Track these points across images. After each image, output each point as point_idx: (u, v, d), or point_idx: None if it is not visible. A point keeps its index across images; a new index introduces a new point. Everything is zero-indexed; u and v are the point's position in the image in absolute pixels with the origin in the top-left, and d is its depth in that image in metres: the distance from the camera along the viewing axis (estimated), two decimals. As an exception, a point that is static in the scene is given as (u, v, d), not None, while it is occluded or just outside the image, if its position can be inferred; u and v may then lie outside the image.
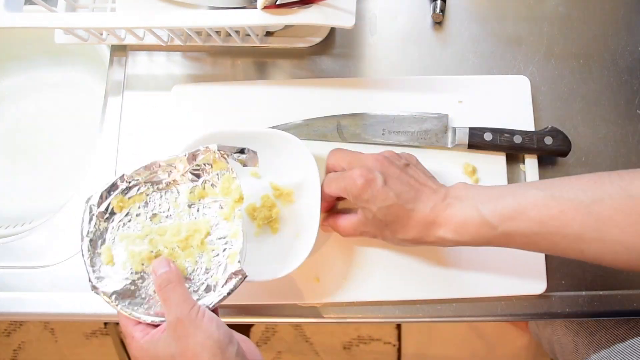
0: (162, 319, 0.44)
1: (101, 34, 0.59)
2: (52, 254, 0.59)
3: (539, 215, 0.43)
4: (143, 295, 0.45)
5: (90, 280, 0.45)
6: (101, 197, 0.47)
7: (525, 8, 0.63)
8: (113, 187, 0.48)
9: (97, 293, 0.45)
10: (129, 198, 0.48)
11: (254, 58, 0.63)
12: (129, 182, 0.48)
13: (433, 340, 1.29)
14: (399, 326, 1.29)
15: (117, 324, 1.25)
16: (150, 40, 0.60)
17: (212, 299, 0.45)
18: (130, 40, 0.60)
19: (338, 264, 0.55)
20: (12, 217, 0.71)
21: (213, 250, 0.47)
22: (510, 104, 0.59)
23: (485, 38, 0.62)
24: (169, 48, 0.63)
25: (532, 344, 1.22)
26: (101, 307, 0.56)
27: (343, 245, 0.55)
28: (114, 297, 0.45)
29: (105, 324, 1.28)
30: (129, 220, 0.48)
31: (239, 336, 0.43)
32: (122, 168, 0.60)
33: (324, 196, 0.52)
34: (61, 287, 0.58)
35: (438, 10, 0.62)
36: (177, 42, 0.60)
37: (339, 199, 0.54)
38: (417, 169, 0.50)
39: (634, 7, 0.63)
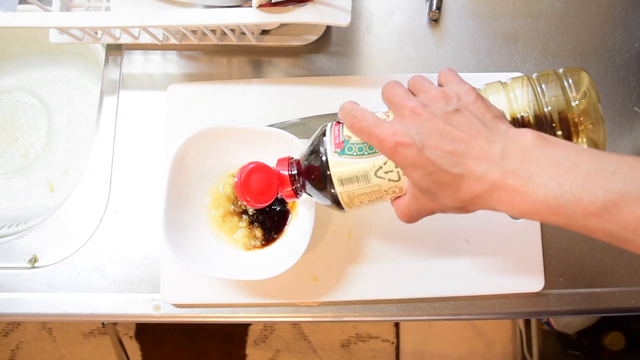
0: None
1: (96, 33, 0.59)
2: (48, 255, 0.59)
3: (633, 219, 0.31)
4: None
5: None
6: None
7: (522, 5, 0.63)
8: None
9: None
10: None
11: (250, 56, 0.62)
12: None
13: (431, 337, 1.29)
14: (397, 324, 1.29)
15: (115, 323, 1.25)
16: (145, 39, 0.60)
17: None
18: (125, 39, 0.60)
19: (336, 263, 0.55)
20: (8, 217, 0.71)
21: None
22: (507, 101, 0.58)
23: (482, 35, 0.62)
24: (164, 47, 0.62)
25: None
26: (98, 307, 0.56)
27: (341, 244, 0.55)
28: None
29: (103, 323, 1.28)
30: None
31: None
32: (118, 167, 0.60)
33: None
34: (58, 287, 0.57)
35: (434, 7, 0.62)
36: (172, 41, 0.59)
37: None
38: (470, 113, 0.38)
39: (631, 3, 0.62)
